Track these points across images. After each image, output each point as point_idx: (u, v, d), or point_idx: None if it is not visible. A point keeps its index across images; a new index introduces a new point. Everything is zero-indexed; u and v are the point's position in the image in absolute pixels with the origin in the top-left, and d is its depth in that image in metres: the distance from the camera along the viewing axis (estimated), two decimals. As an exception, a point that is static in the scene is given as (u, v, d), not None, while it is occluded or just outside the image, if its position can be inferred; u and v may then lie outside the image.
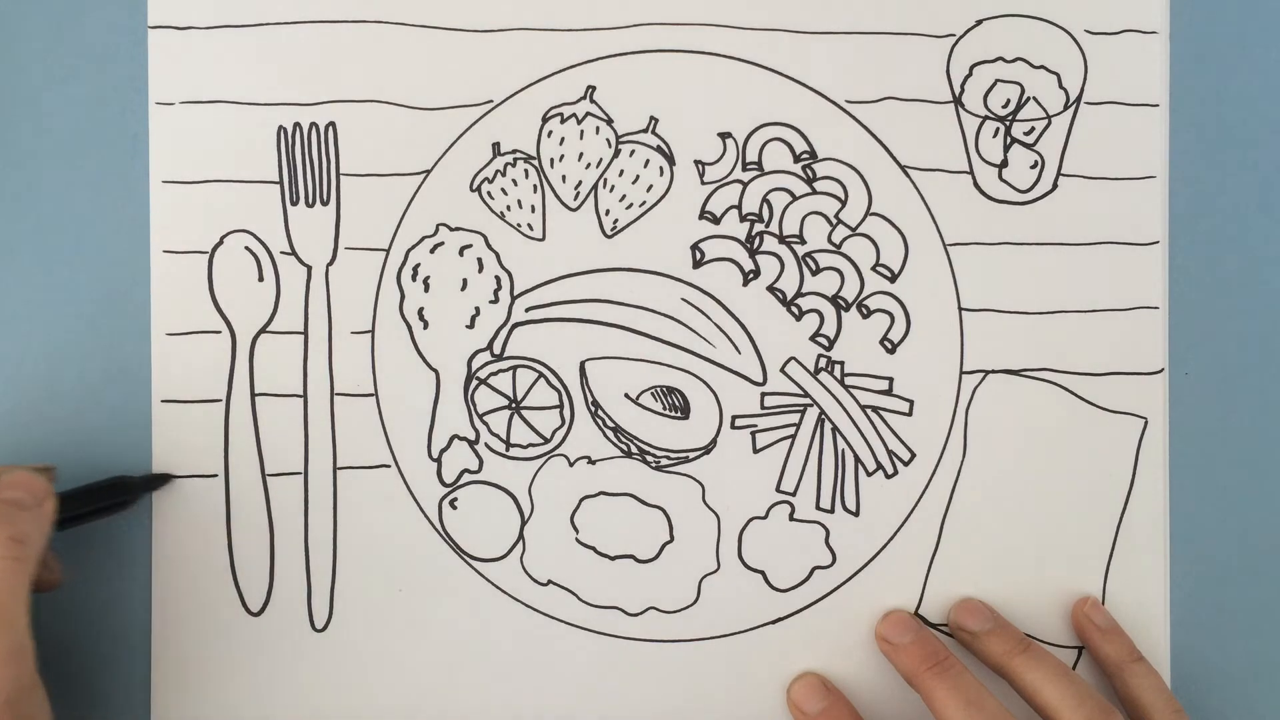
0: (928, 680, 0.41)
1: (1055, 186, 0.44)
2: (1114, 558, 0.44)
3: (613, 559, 0.43)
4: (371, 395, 0.43)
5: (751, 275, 0.44)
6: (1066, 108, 0.44)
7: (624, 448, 0.44)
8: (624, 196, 0.44)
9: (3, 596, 0.36)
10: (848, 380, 0.44)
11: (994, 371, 0.44)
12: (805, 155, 0.44)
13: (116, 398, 0.43)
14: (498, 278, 0.44)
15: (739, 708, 0.43)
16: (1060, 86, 0.44)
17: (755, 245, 0.44)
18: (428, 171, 0.44)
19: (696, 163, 0.44)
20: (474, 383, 0.44)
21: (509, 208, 0.44)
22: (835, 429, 0.44)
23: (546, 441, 0.44)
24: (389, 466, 0.43)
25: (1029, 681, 0.41)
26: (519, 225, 0.44)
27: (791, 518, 0.44)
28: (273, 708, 0.43)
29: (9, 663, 0.35)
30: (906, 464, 0.44)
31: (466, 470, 0.43)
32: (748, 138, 0.44)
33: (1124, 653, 0.42)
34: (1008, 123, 0.44)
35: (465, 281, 0.44)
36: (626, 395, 0.44)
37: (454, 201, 0.44)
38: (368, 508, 0.43)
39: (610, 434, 0.44)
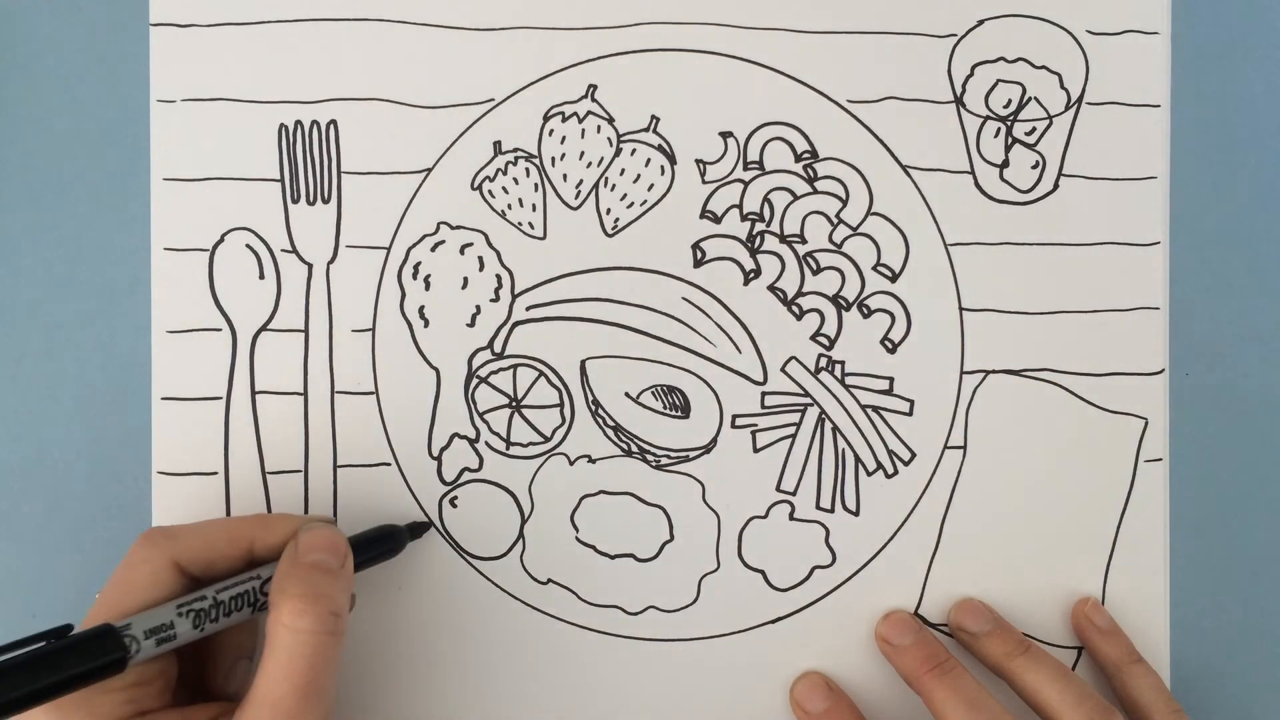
0: (929, 682, 0.41)
1: (1056, 187, 0.44)
2: (1114, 558, 0.44)
3: (612, 558, 0.43)
4: (372, 393, 0.43)
5: (752, 274, 0.44)
6: (1068, 108, 0.44)
7: (624, 447, 0.44)
8: (625, 195, 0.44)
9: (319, 673, 0.34)
10: (848, 380, 0.44)
11: (994, 371, 0.44)
12: (806, 155, 0.44)
13: (117, 395, 0.43)
14: (498, 276, 0.44)
15: (739, 707, 0.43)
16: (1062, 87, 0.44)
17: (756, 244, 0.44)
18: (429, 170, 0.44)
19: (698, 162, 0.44)
20: (474, 381, 0.44)
21: (510, 206, 0.44)
22: (835, 429, 0.44)
23: (547, 440, 0.44)
24: (389, 465, 0.43)
25: (1029, 682, 0.41)
26: (520, 224, 0.44)
27: (791, 517, 0.44)
28: (272, 706, 0.43)
29: None
30: (906, 464, 0.44)
31: (467, 469, 0.43)
32: (749, 137, 0.44)
33: (1124, 653, 0.42)
34: (1009, 123, 0.44)
35: (466, 280, 0.43)
36: (627, 394, 0.44)
37: (455, 200, 0.44)
38: (368, 506, 0.43)
39: (610, 433, 0.44)
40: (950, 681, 0.40)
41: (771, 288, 0.44)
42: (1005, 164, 0.44)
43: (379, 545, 0.40)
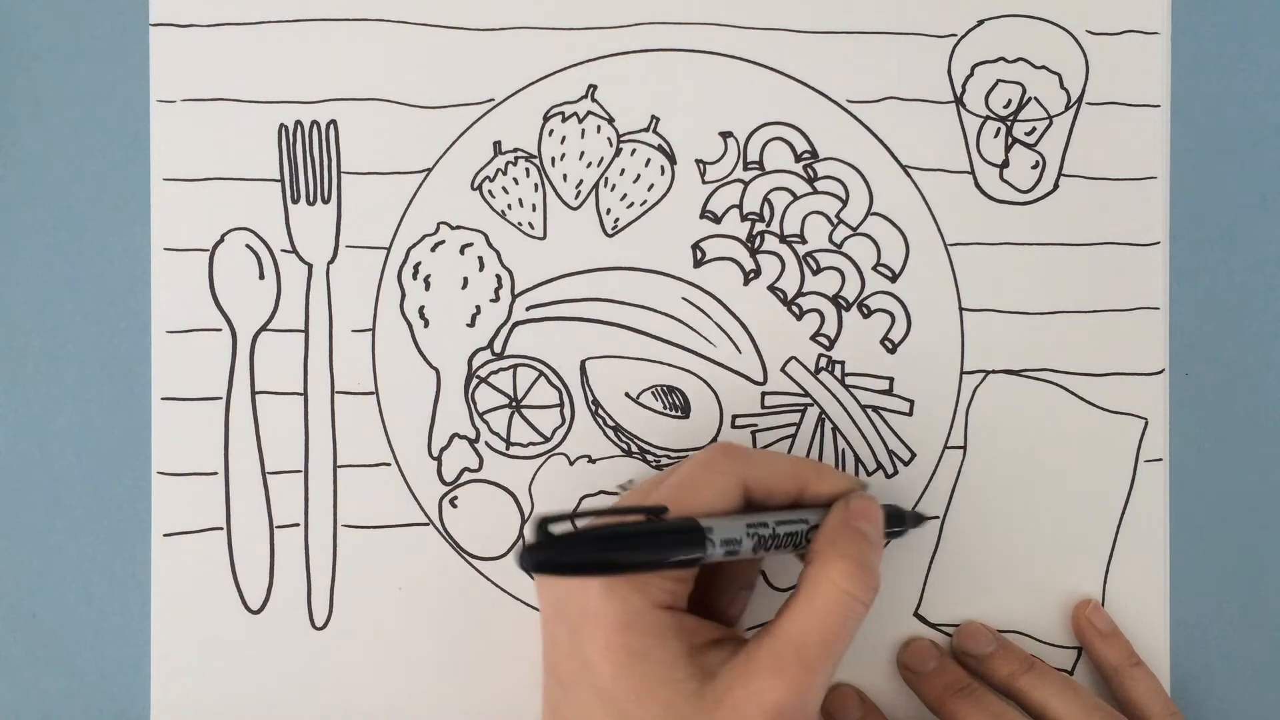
0: (954, 704, 0.41)
1: (1056, 187, 0.44)
2: (1114, 558, 0.44)
3: (613, 558, 0.43)
4: (372, 393, 0.43)
5: (752, 275, 0.44)
6: (1068, 108, 0.44)
7: (624, 447, 0.44)
8: (625, 195, 0.44)
9: (846, 635, 0.35)
10: (848, 380, 0.44)
11: (994, 371, 0.44)
12: (806, 155, 0.44)
13: (117, 395, 0.43)
14: (498, 276, 0.44)
15: (739, 707, 0.43)
16: (1061, 87, 0.44)
17: (756, 245, 0.44)
18: (429, 170, 0.44)
19: (697, 162, 0.44)
20: (474, 381, 0.44)
21: (510, 206, 0.44)
22: (835, 429, 0.44)
23: (547, 440, 0.44)
24: (389, 465, 0.43)
25: (1036, 699, 0.41)
26: (520, 224, 0.44)
27: (792, 517, 0.44)
28: (272, 706, 0.43)
29: (817, 693, 0.34)
30: (906, 464, 0.44)
31: (467, 469, 0.43)
32: (749, 137, 0.44)
33: (1123, 656, 0.42)
34: (1009, 123, 0.44)
35: (466, 280, 0.43)
36: (627, 394, 0.44)
37: (455, 200, 0.44)
38: (368, 506, 0.43)
39: (610, 433, 0.44)
40: (975, 702, 0.41)
41: (771, 288, 0.44)
42: (1005, 164, 0.44)
43: (892, 525, 0.39)
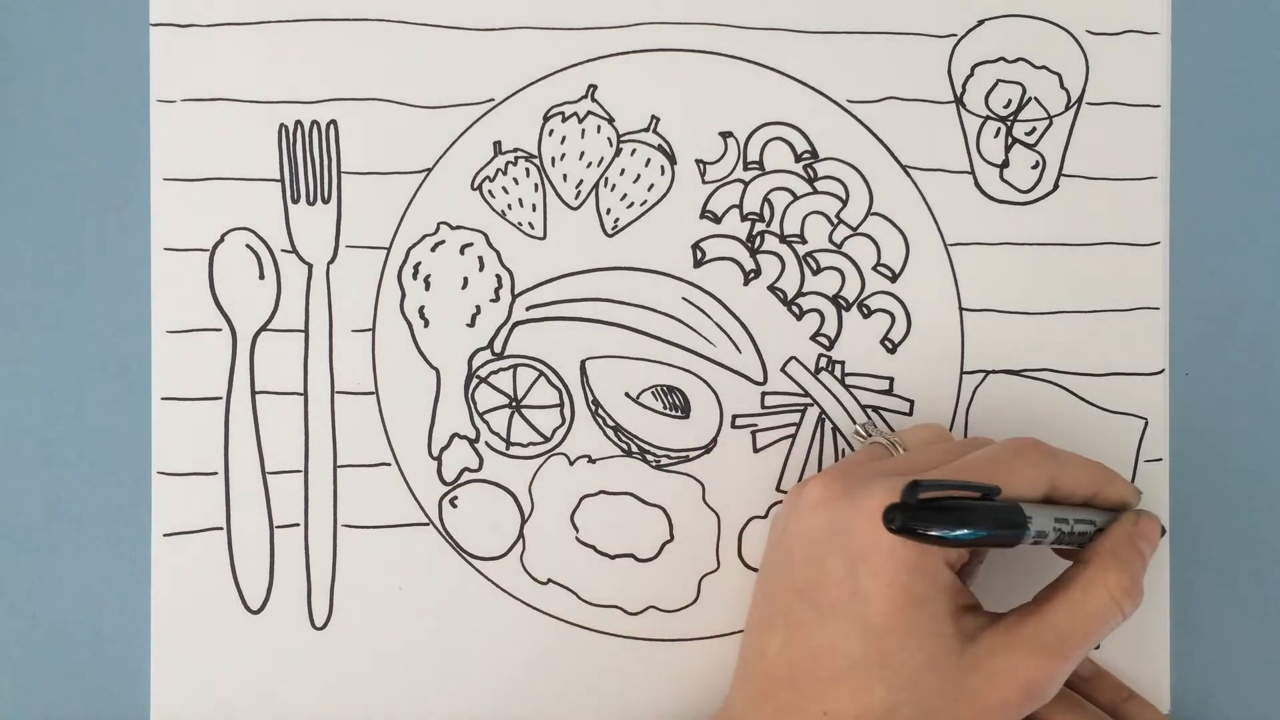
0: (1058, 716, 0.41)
1: (1056, 187, 0.44)
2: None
3: (612, 558, 0.43)
4: (372, 393, 0.43)
5: (752, 275, 0.44)
6: (1068, 108, 0.44)
7: (624, 447, 0.44)
8: (625, 195, 0.44)
9: (1094, 643, 0.37)
10: (848, 380, 0.44)
11: (994, 372, 0.44)
12: (806, 155, 0.44)
13: (116, 395, 0.43)
14: (498, 276, 0.44)
15: (739, 707, 0.43)
16: (1062, 87, 0.44)
17: (756, 245, 0.44)
18: (429, 170, 0.44)
19: (698, 162, 0.44)
20: (474, 381, 0.44)
21: (510, 206, 0.44)
22: (836, 429, 0.44)
23: (547, 440, 0.44)
24: (389, 465, 0.43)
25: None
26: (520, 224, 0.44)
27: (792, 517, 0.44)
28: (272, 706, 0.43)
29: (1059, 684, 0.36)
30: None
31: (467, 469, 0.43)
32: (749, 137, 0.44)
33: (1115, 694, 0.43)
34: (1009, 123, 0.44)
35: (466, 280, 0.44)
36: (627, 394, 0.44)
37: (455, 200, 0.44)
38: (368, 506, 0.43)
39: (610, 433, 0.44)
40: (1083, 713, 0.41)
41: (771, 288, 0.44)
42: (1005, 164, 0.44)
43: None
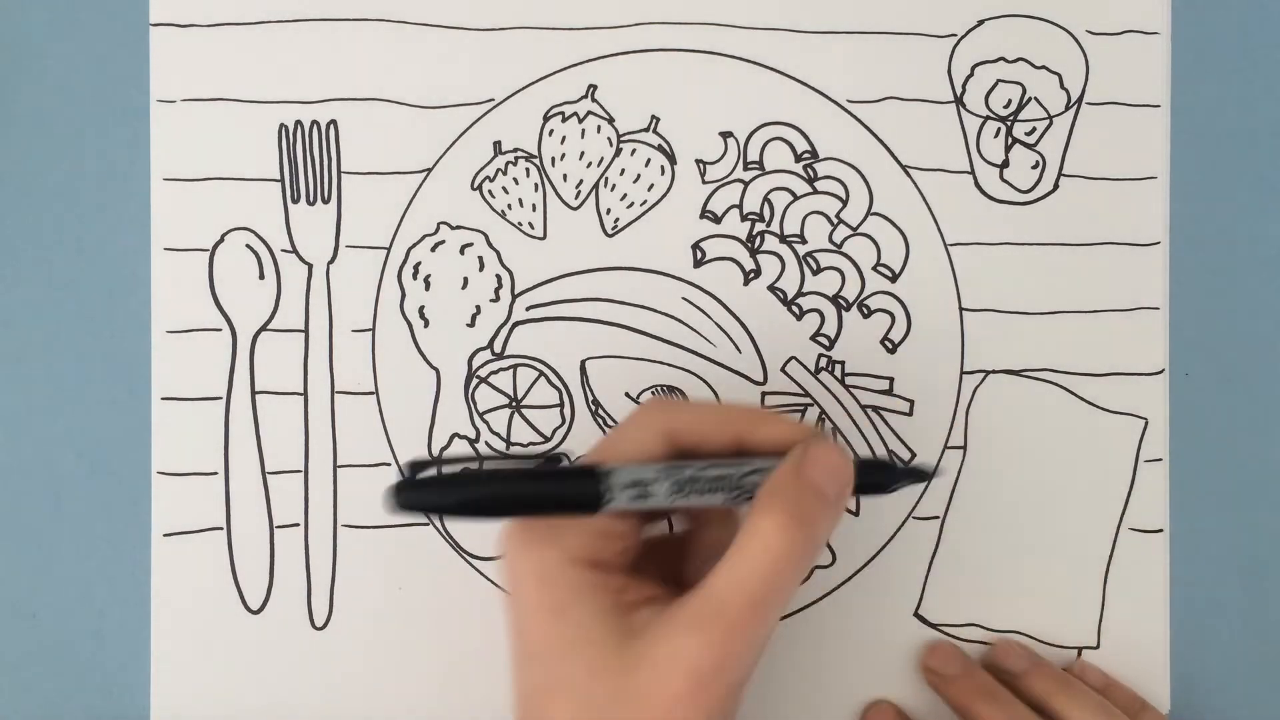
0: (980, 708, 0.41)
1: (1056, 187, 0.44)
2: (1114, 558, 0.44)
3: (613, 558, 0.43)
4: (372, 393, 0.43)
5: (752, 275, 0.44)
6: (1068, 108, 0.44)
7: (624, 447, 0.44)
8: (625, 195, 0.44)
9: (777, 595, 0.32)
10: (848, 380, 0.44)
11: (994, 371, 0.44)
12: (806, 155, 0.44)
13: (117, 395, 0.43)
14: (499, 276, 0.44)
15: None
16: (1062, 87, 0.44)
17: (756, 245, 0.44)
18: (429, 170, 0.44)
19: (698, 162, 0.44)
20: (474, 381, 0.44)
21: (510, 206, 0.44)
22: (835, 429, 0.44)
23: (547, 440, 0.44)
24: (389, 465, 0.43)
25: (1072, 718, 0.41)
26: (520, 224, 0.44)
27: (792, 517, 0.44)
28: (272, 706, 0.43)
29: (742, 657, 0.32)
30: (907, 464, 0.44)
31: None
32: (749, 137, 0.44)
33: (1129, 705, 0.42)
34: (1009, 123, 0.44)
35: (466, 280, 0.44)
36: (627, 394, 0.44)
37: (455, 200, 0.44)
38: (368, 506, 0.43)
39: (610, 433, 0.44)
40: (1002, 708, 0.40)
41: (771, 288, 0.44)
42: (1005, 164, 0.44)
43: (871, 477, 0.35)
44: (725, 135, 0.44)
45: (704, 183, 0.44)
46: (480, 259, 0.44)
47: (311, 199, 0.43)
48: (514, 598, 0.33)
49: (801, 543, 0.32)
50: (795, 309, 0.44)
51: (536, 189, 0.44)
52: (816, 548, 0.33)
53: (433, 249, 0.43)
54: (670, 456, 0.34)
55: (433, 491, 0.32)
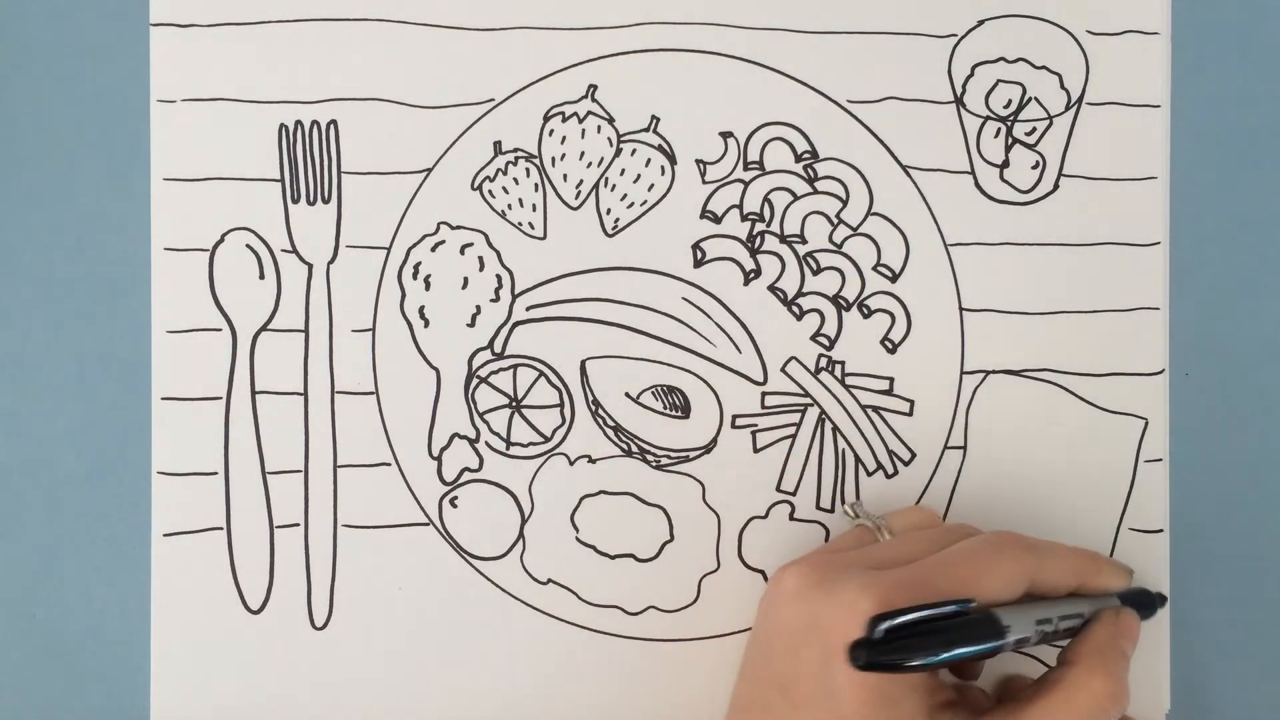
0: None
1: (1056, 187, 0.44)
2: (1114, 558, 0.44)
3: (613, 558, 0.43)
4: (372, 393, 0.43)
5: (752, 275, 0.44)
6: (1068, 108, 0.44)
7: (624, 447, 0.44)
8: (625, 195, 0.44)
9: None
10: (848, 380, 0.44)
11: (994, 372, 0.44)
12: (807, 155, 0.44)
13: (117, 395, 0.43)
14: (499, 276, 0.44)
15: (739, 707, 0.43)
16: (1062, 87, 0.44)
17: (756, 245, 0.44)
18: (429, 170, 0.44)
19: (698, 162, 0.44)
20: (474, 381, 0.44)
21: (510, 206, 0.44)
22: (835, 429, 0.44)
23: (547, 440, 0.44)
24: (389, 465, 0.43)
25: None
26: (520, 224, 0.44)
27: (792, 517, 0.44)
28: (272, 706, 0.43)
29: None
30: (906, 464, 0.44)
31: (467, 469, 0.43)
32: (749, 137, 0.44)
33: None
34: (1009, 123, 0.44)
35: (466, 280, 0.44)
36: (627, 394, 0.44)
37: (455, 200, 0.44)
38: (368, 506, 0.43)
39: (610, 433, 0.44)
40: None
41: (771, 288, 0.44)
42: (1005, 164, 0.44)
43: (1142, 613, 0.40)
44: (725, 135, 0.44)
45: (704, 183, 0.44)
46: (480, 259, 0.44)
47: (312, 199, 0.43)
48: (841, 668, 0.34)
49: (1119, 705, 0.36)
50: (795, 309, 0.44)
51: (537, 189, 0.44)
52: (1125, 709, 0.37)
53: (433, 249, 0.43)
54: (1022, 593, 0.37)
55: (896, 652, 0.33)
